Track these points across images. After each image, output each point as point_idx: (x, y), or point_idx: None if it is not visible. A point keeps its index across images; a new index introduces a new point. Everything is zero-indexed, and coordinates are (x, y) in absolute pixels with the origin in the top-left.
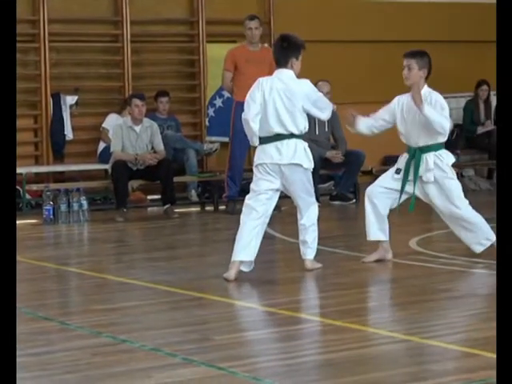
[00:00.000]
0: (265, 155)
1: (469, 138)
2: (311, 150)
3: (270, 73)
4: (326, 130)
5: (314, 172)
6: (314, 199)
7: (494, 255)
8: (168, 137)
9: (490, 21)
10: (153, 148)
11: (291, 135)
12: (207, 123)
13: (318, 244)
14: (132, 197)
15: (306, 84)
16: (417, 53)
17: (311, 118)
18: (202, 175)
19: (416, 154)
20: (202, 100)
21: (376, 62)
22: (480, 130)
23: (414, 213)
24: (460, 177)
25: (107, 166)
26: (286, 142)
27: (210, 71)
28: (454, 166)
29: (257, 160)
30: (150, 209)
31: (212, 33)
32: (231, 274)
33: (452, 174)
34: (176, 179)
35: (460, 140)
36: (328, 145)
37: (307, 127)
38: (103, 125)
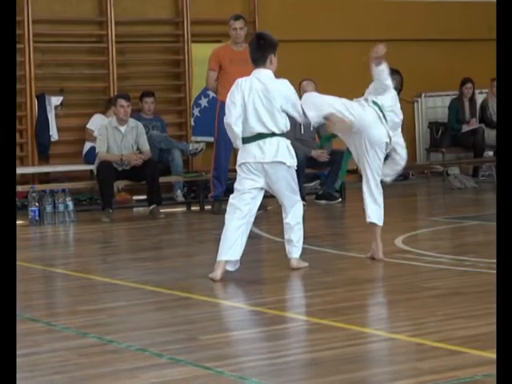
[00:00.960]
0: (247, 154)
1: (454, 136)
2: (297, 149)
3: None
4: (312, 129)
5: (300, 171)
6: (298, 197)
7: (479, 253)
8: (153, 137)
9: (474, 19)
10: (138, 148)
11: (273, 134)
12: (192, 123)
13: (304, 243)
14: (118, 197)
15: (285, 84)
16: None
17: None
18: (188, 175)
19: None
20: (188, 100)
21: (361, 62)
22: (465, 128)
23: (399, 211)
24: (445, 175)
25: (93, 167)
26: (268, 140)
27: (195, 71)
28: (439, 164)
29: (240, 159)
30: (135, 209)
31: (197, 33)
32: (217, 273)
33: None
34: (162, 179)
35: (445, 138)
36: (313, 144)
37: (288, 126)
38: (88, 125)
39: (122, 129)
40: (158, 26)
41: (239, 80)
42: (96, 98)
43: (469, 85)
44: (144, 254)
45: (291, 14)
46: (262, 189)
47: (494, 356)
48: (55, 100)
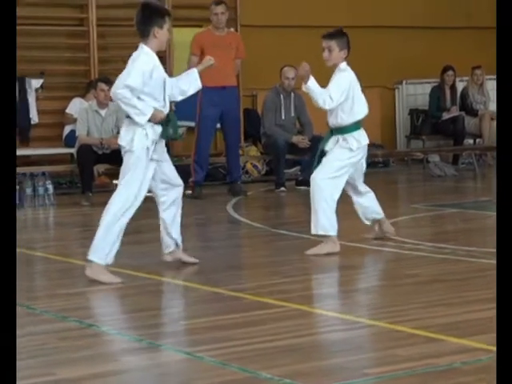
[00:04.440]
0: None
1: (434, 123)
2: (277, 135)
3: (237, 57)
4: (292, 114)
5: (280, 157)
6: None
7: (458, 241)
8: None
9: (456, 7)
10: (118, 132)
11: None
12: (173, 108)
13: (284, 229)
14: (98, 181)
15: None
16: (336, 33)
17: (278, 103)
18: None
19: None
20: None
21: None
22: (445, 115)
23: (380, 198)
24: (425, 162)
25: (73, 150)
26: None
27: (177, 55)
28: (419, 151)
29: None
30: None
31: (178, 17)
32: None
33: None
34: None
35: (425, 126)
36: (294, 129)
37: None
38: (67, 110)
39: (103, 112)
40: None
41: None
42: (77, 81)
43: (450, 72)
44: (123, 238)
45: (273, 0)
46: None
47: (472, 344)
48: (36, 83)
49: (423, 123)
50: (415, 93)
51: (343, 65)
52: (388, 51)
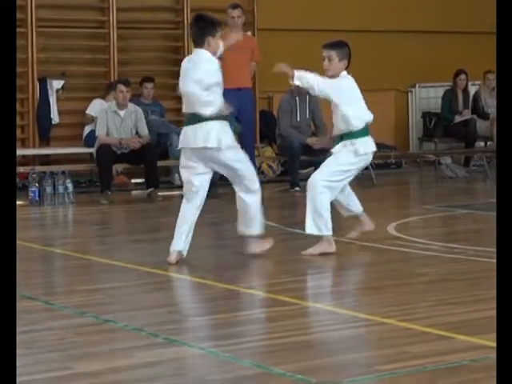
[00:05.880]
0: (184, 138)
1: (446, 126)
2: (292, 137)
3: (252, 60)
4: (307, 116)
5: (295, 158)
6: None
7: (468, 241)
8: (152, 122)
9: (468, 12)
10: (137, 132)
11: (204, 117)
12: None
13: (297, 228)
14: (116, 180)
15: (206, 65)
16: (336, 44)
17: (293, 105)
18: None
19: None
20: None
21: (361, 52)
22: (457, 118)
23: (392, 199)
24: (437, 164)
25: (92, 150)
26: (200, 124)
27: None
28: (431, 153)
29: (180, 143)
30: (133, 192)
31: None
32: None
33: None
34: (159, 163)
35: (437, 128)
36: (309, 131)
37: (216, 108)
38: (87, 111)
39: (122, 113)
40: (158, 13)
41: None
42: (97, 82)
43: (462, 76)
44: (141, 235)
45: (290, 3)
46: (205, 173)
47: (481, 341)
48: (57, 83)
49: (435, 126)
50: (428, 96)
51: (343, 73)
52: (401, 55)
